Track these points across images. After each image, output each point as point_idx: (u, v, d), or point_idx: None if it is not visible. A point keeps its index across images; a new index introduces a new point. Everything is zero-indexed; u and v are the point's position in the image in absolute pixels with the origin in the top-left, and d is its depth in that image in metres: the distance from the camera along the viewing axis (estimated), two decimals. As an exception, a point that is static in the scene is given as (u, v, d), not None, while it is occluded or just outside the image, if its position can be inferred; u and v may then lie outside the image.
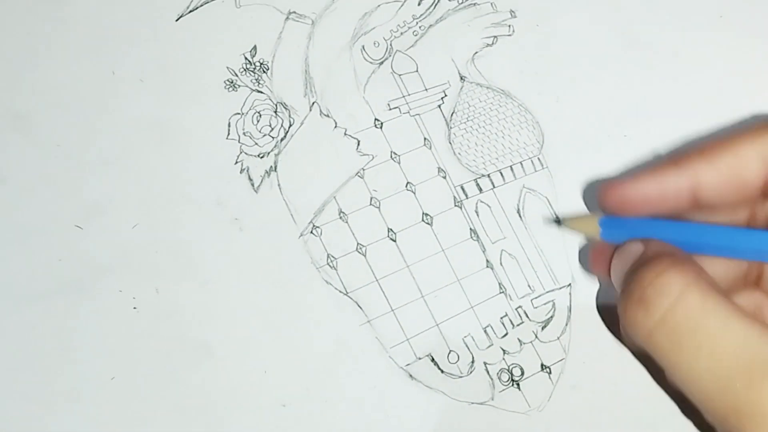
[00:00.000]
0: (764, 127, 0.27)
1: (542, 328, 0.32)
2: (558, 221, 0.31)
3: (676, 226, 0.28)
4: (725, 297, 0.24)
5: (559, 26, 0.34)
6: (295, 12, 0.33)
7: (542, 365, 0.31)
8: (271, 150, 0.32)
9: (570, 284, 0.32)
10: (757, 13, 0.35)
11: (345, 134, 0.32)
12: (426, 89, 0.33)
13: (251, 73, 0.32)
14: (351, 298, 0.31)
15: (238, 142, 0.31)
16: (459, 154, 0.32)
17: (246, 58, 0.32)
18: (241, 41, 0.32)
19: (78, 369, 0.29)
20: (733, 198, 0.27)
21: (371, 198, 0.32)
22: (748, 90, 0.34)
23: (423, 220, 0.32)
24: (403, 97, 0.33)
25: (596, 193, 0.29)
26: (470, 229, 0.32)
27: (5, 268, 0.30)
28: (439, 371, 0.31)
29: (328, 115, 0.32)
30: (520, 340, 0.31)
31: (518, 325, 0.32)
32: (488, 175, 0.32)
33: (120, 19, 0.31)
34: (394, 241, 0.32)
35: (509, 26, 0.34)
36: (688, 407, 0.26)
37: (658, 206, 0.28)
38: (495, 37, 0.34)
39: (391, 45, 0.33)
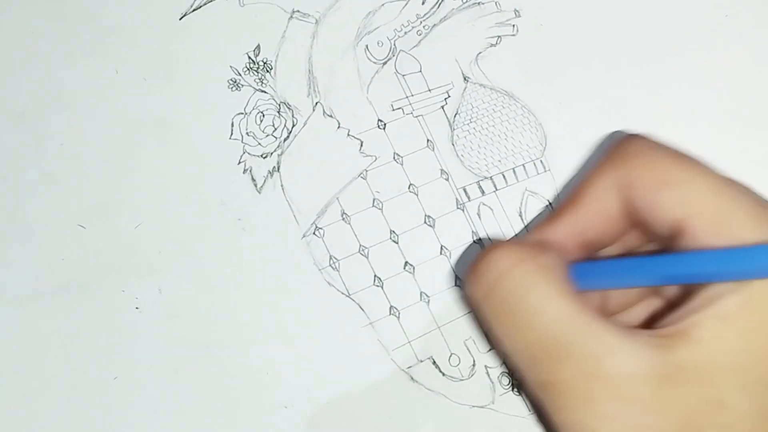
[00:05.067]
0: (607, 157, 0.27)
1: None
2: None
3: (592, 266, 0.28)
4: (555, 280, 0.25)
5: (564, 27, 0.34)
6: (298, 11, 0.32)
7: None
8: (274, 150, 0.32)
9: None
10: (763, 12, 0.35)
11: (348, 135, 0.32)
12: (429, 90, 0.33)
13: (254, 72, 0.32)
14: (353, 300, 0.31)
15: (242, 142, 0.31)
16: (462, 156, 0.32)
17: (249, 58, 0.32)
18: (244, 40, 0.32)
19: (80, 369, 0.29)
20: (615, 232, 0.28)
21: (374, 199, 0.32)
22: (753, 90, 0.34)
23: (425, 222, 0.32)
24: (407, 97, 0.32)
25: None
26: (472, 231, 0.32)
27: (7, 268, 0.30)
28: (441, 374, 0.31)
29: (331, 116, 0.32)
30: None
31: (519, 327, 0.32)
32: (491, 178, 0.32)
33: (123, 17, 0.31)
34: (397, 243, 0.32)
35: (513, 26, 0.34)
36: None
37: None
38: (499, 37, 0.34)
39: (394, 45, 0.33)
